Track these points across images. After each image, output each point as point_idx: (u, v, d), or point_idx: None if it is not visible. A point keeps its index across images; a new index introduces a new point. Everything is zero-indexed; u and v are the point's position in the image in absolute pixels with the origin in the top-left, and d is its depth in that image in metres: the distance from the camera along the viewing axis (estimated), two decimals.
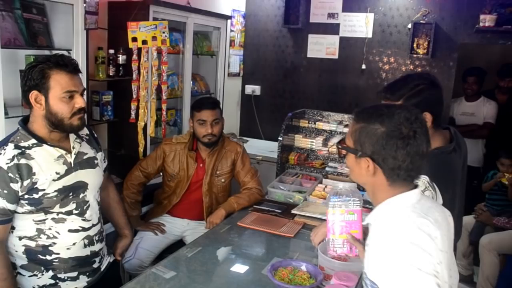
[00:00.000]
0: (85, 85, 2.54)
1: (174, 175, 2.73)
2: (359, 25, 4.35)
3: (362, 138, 1.24)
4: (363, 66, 4.38)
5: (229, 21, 4.21)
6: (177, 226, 2.76)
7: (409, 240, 1.14)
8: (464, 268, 3.73)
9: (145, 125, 3.04)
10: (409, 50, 4.11)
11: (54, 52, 2.51)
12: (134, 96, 2.95)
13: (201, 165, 2.74)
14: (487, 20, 3.67)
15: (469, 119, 4.18)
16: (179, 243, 2.72)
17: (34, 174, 1.62)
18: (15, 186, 1.60)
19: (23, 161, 1.61)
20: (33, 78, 1.62)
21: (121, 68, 2.96)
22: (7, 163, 1.58)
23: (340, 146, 1.36)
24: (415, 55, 4.11)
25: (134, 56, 2.90)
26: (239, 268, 1.99)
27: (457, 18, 3.99)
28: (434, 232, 1.19)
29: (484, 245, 3.44)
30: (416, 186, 1.28)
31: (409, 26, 4.10)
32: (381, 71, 4.34)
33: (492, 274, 3.41)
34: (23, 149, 1.63)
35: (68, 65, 1.65)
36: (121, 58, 2.95)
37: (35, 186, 1.63)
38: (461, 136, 1.90)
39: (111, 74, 2.91)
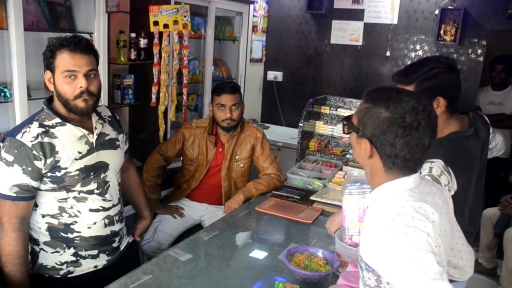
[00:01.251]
0: (105, 69, 2.58)
1: (193, 159, 2.74)
2: (385, 10, 4.24)
3: (365, 119, 1.23)
4: (388, 53, 4.29)
5: (251, 6, 4.17)
6: (196, 210, 2.78)
7: (405, 223, 1.12)
8: (487, 260, 3.66)
9: (166, 109, 3.05)
10: (435, 37, 3.99)
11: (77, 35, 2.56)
12: (155, 80, 2.95)
13: (220, 149, 2.74)
14: None
15: (497, 109, 4.06)
16: (197, 227, 2.73)
17: (57, 152, 1.65)
18: (39, 164, 1.62)
19: (46, 139, 1.63)
20: (46, 58, 1.65)
21: (142, 52, 2.97)
22: (31, 141, 1.61)
23: (344, 122, 1.32)
24: (442, 42, 3.99)
25: (156, 40, 2.90)
26: (258, 254, 1.97)
27: (488, 4, 3.85)
28: (432, 215, 1.17)
29: (508, 238, 3.35)
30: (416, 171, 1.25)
31: (436, 12, 3.98)
32: (406, 59, 4.24)
33: None
34: (47, 128, 1.66)
35: (70, 44, 1.62)
36: (143, 42, 2.95)
37: (57, 165, 1.65)
38: (482, 121, 1.84)
39: (132, 58, 2.92)
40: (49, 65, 1.65)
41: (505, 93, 4.10)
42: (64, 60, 1.62)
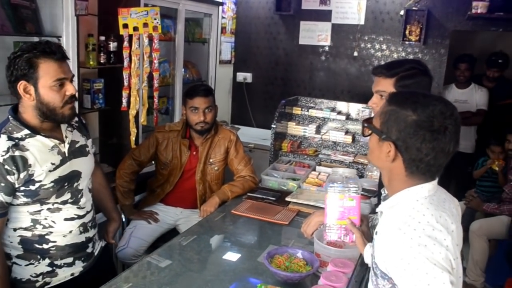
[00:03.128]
0: (75, 73, 2.53)
1: (167, 163, 2.71)
2: (351, 11, 4.32)
3: (390, 122, 1.19)
4: (355, 53, 4.37)
5: (220, 7, 4.16)
6: (171, 215, 2.75)
7: (426, 234, 1.11)
8: None
9: (137, 113, 3.00)
10: (401, 37, 4.10)
11: (44, 38, 2.48)
12: (126, 83, 2.90)
13: (194, 153, 2.73)
14: (479, 6, 3.66)
15: (463, 106, 4.18)
16: (172, 232, 2.71)
17: (30, 166, 1.59)
18: (12, 178, 1.56)
19: (17, 153, 1.57)
20: (20, 68, 1.56)
21: (112, 56, 2.91)
22: (2, 155, 1.54)
23: (366, 124, 1.28)
24: (407, 42, 4.10)
25: (125, 43, 2.85)
26: (231, 256, 1.98)
27: (449, 5, 3.98)
28: (451, 225, 1.17)
29: (474, 231, 3.48)
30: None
31: (402, 12, 4.09)
32: (373, 58, 4.34)
33: (482, 259, 3.47)
34: (16, 141, 1.59)
35: (56, 52, 1.60)
36: (112, 45, 2.90)
37: (32, 178, 1.60)
38: None
39: (102, 61, 2.87)
40: (26, 75, 1.57)
41: (469, 91, 4.24)
42: (52, 69, 1.59)
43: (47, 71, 1.58)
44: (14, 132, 1.60)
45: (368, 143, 1.33)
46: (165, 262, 1.88)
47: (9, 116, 1.65)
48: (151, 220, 2.66)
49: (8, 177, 1.55)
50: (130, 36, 2.85)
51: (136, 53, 2.89)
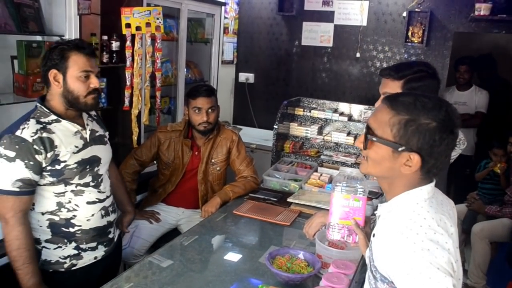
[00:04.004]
0: None
1: (169, 163, 2.71)
2: (354, 13, 4.32)
3: (408, 132, 1.14)
4: (358, 55, 4.37)
5: (223, 8, 4.16)
6: (172, 215, 2.75)
7: (429, 238, 1.10)
8: None
9: (139, 113, 3.00)
10: (403, 38, 4.10)
11: (46, 37, 2.50)
12: (128, 83, 2.90)
13: (196, 153, 2.72)
14: (482, 8, 3.66)
15: (462, 109, 4.18)
16: (174, 232, 2.70)
17: (56, 146, 1.74)
18: (40, 158, 1.70)
19: (45, 134, 1.72)
20: (53, 58, 1.75)
21: (114, 55, 2.91)
22: (31, 136, 1.68)
23: (375, 139, 1.19)
24: (409, 44, 4.10)
25: (128, 43, 2.85)
26: (233, 256, 1.99)
27: (452, 7, 3.98)
28: (451, 228, 1.16)
29: (476, 233, 3.48)
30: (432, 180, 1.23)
31: (404, 14, 4.09)
32: (375, 60, 4.33)
33: (484, 261, 3.46)
34: (44, 124, 1.74)
35: (85, 48, 1.80)
36: (115, 45, 2.90)
37: (57, 158, 1.74)
38: None
39: (104, 61, 2.86)
40: (58, 65, 1.75)
41: (469, 93, 4.24)
42: (81, 61, 1.77)
43: (76, 62, 1.76)
44: (42, 118, 1.76)
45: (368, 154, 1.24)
46: (167, 262, 1.88)
47: (37, 104, 1.80)
48: (152, 220, 2.66)
49: (36, 156, 1.69)
50: (133, 36, 2.85)
51: (139, 52, 2.89)
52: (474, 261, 3.50)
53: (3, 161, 1.66)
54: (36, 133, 1.69)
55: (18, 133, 1.67)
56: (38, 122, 1.73)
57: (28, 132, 1.68)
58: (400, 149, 1.15)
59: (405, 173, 1.17)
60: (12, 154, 1.66)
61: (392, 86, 1.78)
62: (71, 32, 2.49)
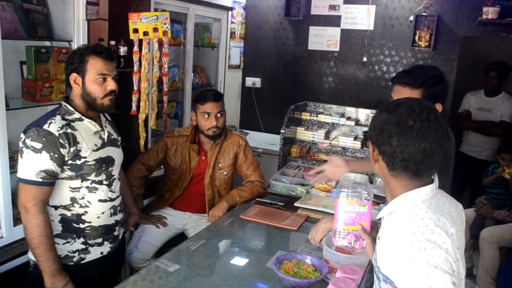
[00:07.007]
0: None
1: (176, 168, 2.71)
2: (361, 17, 4.31)
3: (371, 125, 1.29)
4: (364, 59, 4.35)
5: (230, 12, 4.18)
6: (179, 219, 2.75)
7: (425, 237, 1.12)
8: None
9: (146, 117, 3.02)
10: (410, 42, 4.08)
11: (55, 43, 2.52)
12: (135, 88, 2.92)
13: (203, 158, 2.73)
14: (490, 12, 3.63)
15: (486, 115, 4.08)
16: (180, 236, 2.71)
17: (78, 142, 1.85)
18: (64, 151, 1.81)
19: (69, 130, 1.83)
20: (74, 62, 1.87)
21: (122, 60, 2.93)
22: (57, 130, 1.79)
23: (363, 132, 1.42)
24: (416, 48, 4.08)
25: (135, 48, 2.87)
26: (239, 261, 1.99)
27: (459, 11, 3.96)
28: (451, 229, 1.18)
29: (484, 238, 3.45)
30: (432, 181, 1.26)
31: (411, 18, 4.07)
32: (382, 64, 4.32)
33: (492, 267, 3.43)
34: (68, 121, 1.86)
35: (103, 52, 1.90)
36: (122, 50, 2.91)
37: (79, 153, 1.85)
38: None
39: None
40: (78, 68, 1.87)
41: (496, 100, 4.10)
42: (98, 64, 1.88)
43: (93, 66, 1.87)
44: (66, 115, 1.88)
45: None
46: (174, 266, 1.88)
47: (62, 102, 1.92)
48: (159, 225, 2.66)
49: (61, 149, 1.80)
50: (140, 41, 2.87)
51: (146, 57, 2.90)
52: (482, 267, 3.47)
53: (29, 152, 1.76)
54: (62, 128, 1.81)
55: (45, 127, 1.78)
56: (63, 118, 1.84)
57: (54, 126, 1.79)
58: (368, 138, 1.30)
59: (377, 167, 1.29)
60: (39, 145, 1.76)
61: (412, 95, 1.76)
62: (79, 37, 2.51)
